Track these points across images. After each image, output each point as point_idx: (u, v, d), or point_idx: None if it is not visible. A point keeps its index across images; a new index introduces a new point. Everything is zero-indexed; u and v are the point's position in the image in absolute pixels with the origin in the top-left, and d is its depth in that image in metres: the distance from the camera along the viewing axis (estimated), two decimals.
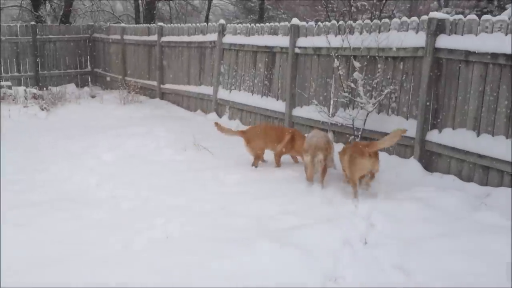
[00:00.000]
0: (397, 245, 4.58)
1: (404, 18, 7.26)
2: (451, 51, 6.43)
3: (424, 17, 6.85)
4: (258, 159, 7.41)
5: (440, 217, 5.19)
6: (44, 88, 14.41)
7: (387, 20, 7.52)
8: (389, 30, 7.33)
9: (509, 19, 5.98)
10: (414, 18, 7.10)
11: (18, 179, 6.69)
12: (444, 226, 4.96)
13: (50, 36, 16.23)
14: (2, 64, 15.36)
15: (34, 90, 13.50)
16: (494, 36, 6.00)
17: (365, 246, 4.66)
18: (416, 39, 6.89)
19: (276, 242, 4.54)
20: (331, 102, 8.42)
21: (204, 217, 5.35)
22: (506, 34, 5.87)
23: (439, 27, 6.59)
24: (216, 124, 7.66)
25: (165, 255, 4.40)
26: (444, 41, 6.52)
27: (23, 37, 15.63)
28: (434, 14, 6.66)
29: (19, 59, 15.67)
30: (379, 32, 7.41)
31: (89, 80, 17.24)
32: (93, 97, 14.40)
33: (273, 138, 7.35)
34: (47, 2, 21.25)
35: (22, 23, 18.15)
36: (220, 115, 11.16)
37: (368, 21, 7.77)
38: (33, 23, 16.57)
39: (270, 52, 9.64)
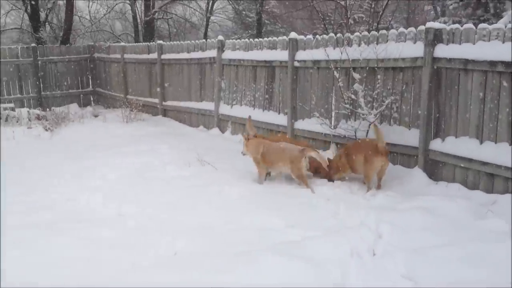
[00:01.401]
0: (404, 255, 4.59)
1: (402, 29, 7.34)
2: (449, 60, 6.49)
3: (422, 27, 6.92)
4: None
5: (446, 225, 5.20)
6: (47, 109, 14.48)
7: (384, 31, 7.60)
8: (387, 41, 7.40)
9: (505, 27, 6.04)
10: (412, 29, 7.17)
11: (24, 200, 6.70)
12: (450, 234, 4.96)
13: (51, 57, 16.40)
14: (4, 86, 15.49)
15: (37, 111, 13.60)
16: (491, 44, 6.06)
17: (373, 257, 4.67)
18: (414, 49, 6.96)
19: (283, 255, 4.55)
20: (333, 114, 8.48)
21: (211, 232, 5.36)
22: (504, 42, 5.93)
23: (436, 37, 6.66)
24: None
25: (173, 272, 4.40)
26: (442, 51, 6.59)
27: (24, 59, 15.79)
28: (432, 24, 6.73)
29: (21, 81, 15.82)
30: (377, 44, 7.48)
31: (92, 99, 17.35)
32: (96, 116, 14.48)
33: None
34: (47, 24, 21.44)
35: (23, 45, 18.30)
36: (222, 131, 11.22)
37: (366, 33, 7.86)
38: (33, 45, 16.73)
39: (270, 66, 9.73)
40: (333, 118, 8.47)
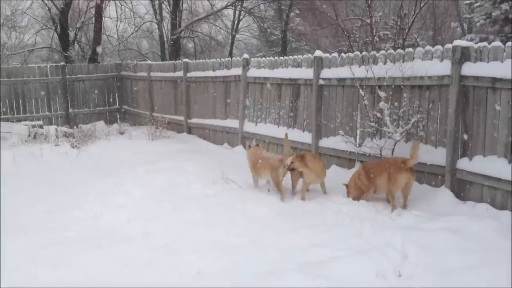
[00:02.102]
0: (432, 277, 4.52)
1: (428, 47, 7.28)
2: (477, 78, 6.40)
3: (449, 46, 6.86)
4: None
5: (474, 246, 5.10)
6: (75, 126, 14.73)
7: (411, 49, 7.55)
8: (413, 59, 7.35)
9: None
10: (438, 47, 7.11)
11: (50, 217, 6.81)
12: (478, 256, 4.86)
13: (79, 76, 16.72)
14: (33, 104, 15.84)
15: (65, 129, 13.82)
16: None
17: (399, 278, 4.60)
18: (441, 68, 6.90)
19: (308, 275, 4.53)
20: (358, 132, 8.43)
21: (235, 251, 5.36)
22: None
23: (464, 55, 6.59)
24: None
25: None
26: (470, 69, 6.51)
27: (53, 77, 16.15)
28: (459, 42, 6.66)
29: (50, 99, 16.16)
30: (403, 62, 7.44)
31: (118, 117, 17.60)
32: (122, 133, 14.66)
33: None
34: (75, 42, 21.92)
35: (52, 63, 18.73)
36: (246, 148, 11.23)
37: (392, 50, 7.82)
38: (62, 63, 17.10)
39: (295, 84, 9.74)
40: (358, 136, 8.42)
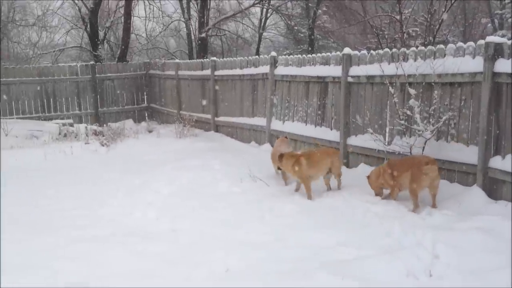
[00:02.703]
0: (463, 277, 4.43)
1: (460, 44, 7.14)
2: (510, 75, 6.25)
3: (481, 42, 6.71)
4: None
5: (506, 247, 4.98)
6: (104, 125, 14.95)
7: (442, 46, 7.41)
8: (444, 56, 7.21)
9: None
10: (471, 43, 6.96)
11: (81, 214, 6.91)
12: (510, 256, 4.74)
13: (109, 74, 16.95)
14: (63, 103, 16.12)
15: (94, 127, 14.06)
16: None
17: (429, 278, 4.51)
18: (473, 64, 6.75)
19: (336, 274, 4.48)
20: (387, 130, 8.31)
21: (263, 249, 5.34)
22: None
23: (497, 51, 6.43)
24: None
25: None
26: (503, 65, 6.34)
27: (83, 76, 16.42)
28: (492, 39, 6.51)
29: (80, 97, 16.43)
30: (434, 59, 7.30)
31: (146, 115, 17.80)
32: (150, 131, 14.81)
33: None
34: (105, 42, 22.20)
35: (82, 63, 19.02)
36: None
37: (422, 47, 7.68)
38: (92, 62, 17.35)
39: (323, 82, 9.67)
40: (387, 134, 8.30)
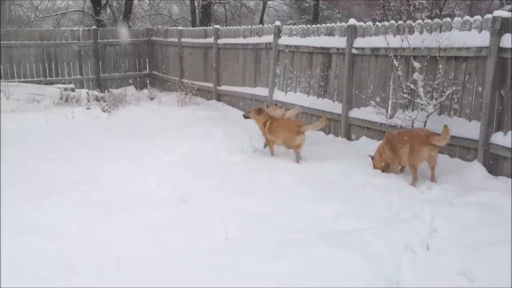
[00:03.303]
0: (460, 251, 4.47)
1: (467, 17, 7.05)
2: None
3: (488, 16, 6.62)
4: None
5: (504, 223, 5.02)
6: (105, 91, 14.89)
7: (448, 19, 7.32)
8: (451, 29, 7.13)
9: None
10: (478, 17, 6.87)
11: (82, 179, 6.93)
12: (509, 232, 4.78)
13: (111, 40, 16.79)
14: (65, 68, 16.03)
15: (96, 93, 14.01)
16: None
17: (427, 251, 4.56)
18: (479, 39, 6.68)
19: (335, 245, 4.51)
20: (390, 103, 8.27)
21: (262, 218, 5.36)
22: None
23: (504, 26, 6.36)
24: None
25: (225, 257, 4.44)
26: (509, 41, 6.28)
27: (85, 41, 16.28)
28: (499, 13, 6.42)
29: (81, 62, 16.32)
30: (440, 32, 7.22)
31: (148, 82, 17.69)
32: (151, 99, 14.76)
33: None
34: (107, 7, 21.93)
35: (84, 27, 18.81)
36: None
37: (429, 20, 7.58)
38: (94, 27, 17.17)
39: (326, 53, 9.58)
40: (389, 108, 8.27)
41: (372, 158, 7.27)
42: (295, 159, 7.73)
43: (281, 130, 7.87)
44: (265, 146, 8.47)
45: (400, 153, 6.74)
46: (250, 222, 5.26)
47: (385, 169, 7.11)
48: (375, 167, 7.22)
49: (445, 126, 6.36)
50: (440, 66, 7.20)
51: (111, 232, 5.06)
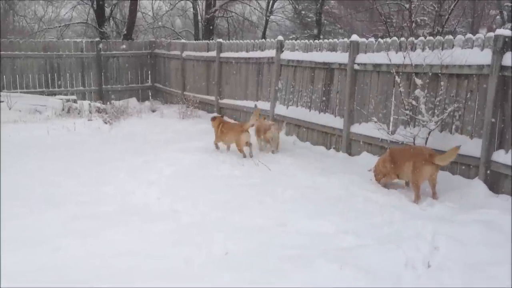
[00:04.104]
0: (461, 270, 4.43)
1: (469, 35, 7.08)
2: None
3: (490, 34, 6.65)
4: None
5: (506, 241, 4.98)
6: (107, 102, 14.93)
7: (450, 36, 7.35)
8: (452, 46, 7.16)
9: None
10: (480, 35, 6.91)
11: (82, 191, 6.92)
12: (509, 250, 4.75)
13: (114, 52, 16.86)
14: (68, 79, 16.07)
15: (98, 104, 14.04)
16: None
17: (428, 269, 4.53)
18: (481, 57, 6.70)
19: (335, 262, 4.49)
20: (391, 119, 8.29)
21: (262, 233, 5.35)
22: None
23: (505, 45, 6.38)
24: None
25: (225, 272, 4.41)
26: (511, 59, 6.30)
27: (88, 53, 16.34)
28: (501, 31, 6.45)
29: (84, 74, 16.38)
30: (442, 49, 7.25)
31: (150, 94, 17.75)
32: (153, 111, 14.80)
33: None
34: (111, 19, 22.07)
35: (87, 39, 18.89)
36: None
37: (431, 37, 7.62)
38: (97, 39, 17.26)
39: (329, 68, 9.61)
40: (391, 124, 8.28)
41: (374, 171, 7.26)
42: (295, 175, 7.71)
43: (229, 132, 9.07)
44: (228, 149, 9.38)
45: (400, 169, 6.74)
46: (251, 237, 5.23)
47: (386, 182, 7.12)
48: (376, 179, 7.21)
49: (455, 148, 6.38)
50: (442, 83, 7.21)
51: (110, 245, 5.03)
